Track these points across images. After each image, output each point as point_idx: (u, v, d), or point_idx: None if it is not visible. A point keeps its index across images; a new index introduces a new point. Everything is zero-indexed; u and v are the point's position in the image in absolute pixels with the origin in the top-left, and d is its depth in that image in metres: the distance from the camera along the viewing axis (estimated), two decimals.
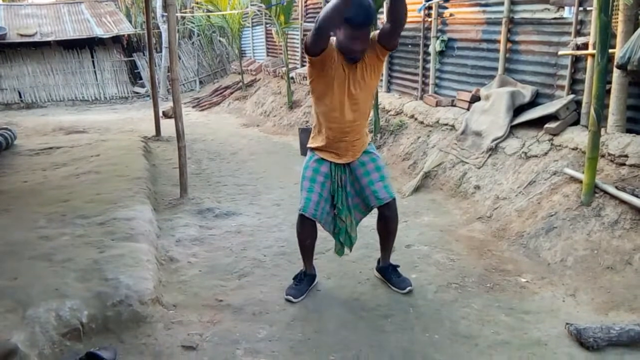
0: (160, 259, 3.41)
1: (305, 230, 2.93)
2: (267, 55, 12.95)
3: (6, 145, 6.55)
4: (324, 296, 3.02)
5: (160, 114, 9.73)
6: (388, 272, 3.11)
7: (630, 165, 3.48)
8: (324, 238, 3.11)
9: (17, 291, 2.61)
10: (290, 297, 2.93)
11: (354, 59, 2.66)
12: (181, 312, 2.80)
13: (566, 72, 4.36)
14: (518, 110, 4.69)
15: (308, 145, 2.97)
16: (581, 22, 4.23)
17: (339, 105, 2.74)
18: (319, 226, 2.96)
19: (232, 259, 3.54)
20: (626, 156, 3.51)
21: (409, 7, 6.62)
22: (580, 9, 4.20)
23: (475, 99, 5.29)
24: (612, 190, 3.33)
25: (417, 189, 5.02)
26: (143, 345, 2.48)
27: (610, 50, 3.39)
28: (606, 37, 3.27)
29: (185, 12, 16.03)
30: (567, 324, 2.56)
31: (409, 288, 3.00)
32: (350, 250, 3.08)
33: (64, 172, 5.33)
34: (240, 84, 12.62)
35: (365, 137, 2.94)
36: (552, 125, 4.22)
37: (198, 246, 3.75)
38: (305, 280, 3.04)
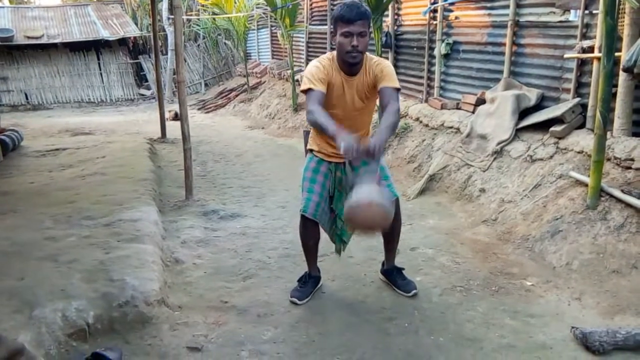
0: (166, 260, 3.43)
1: (308, 231, 2.94)
2: (272, 58, 12.98)
3: (13, 147, 6.59)
4: (328, 298, 3.02)
5: (172, 115, 9.77)
6: (393, 275, 3.11)
7: (637, 169, 3.47)
8: (327, 240, 3.11)
9: (24, 291, 2.63)
10: (295, 299, 2.93)
11: (354, 64, 2.63)
12: (186, 313, 2.81)
13: (572, 75, 4.35)
14: (523, 113, 4.68)
15: (308, 147, 2.99)
16: (587, 26, 4.22)
17: (338, 118, 2.76)
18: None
19: (237, 260, 3.55)
20: (632, 160, 3.50)
21: (415, 9, 6.62)
22: (586, 12, 4.19)
23: (481, 102, 5.28)
24: (618, 193, 3.32)
25: (422, 192, 5.02)
26: (149, 346, 2.49)
27: (616, 54, 3.38)
28: (612, 40, 3.26)
29: (191, 15, 16.10)
30: (572, 327, 2.55)
31: (414, 291, 2.99)
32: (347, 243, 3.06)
33: (70, 174, 5.36)
34: (246, 86, 12.65)
35: (366, 140, 2.94)
36: (557, 128, 4.21)
37: (203, 248, 3.76)
38: (309, 283, 3.04)
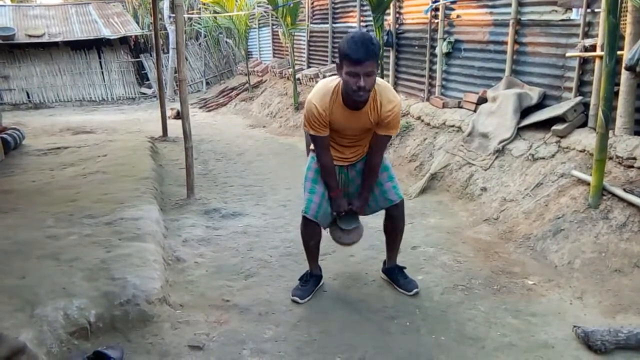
0: (167, 259, 3.43)
1: (309, 231, 2.94)
2: (274, 57, 12.97)
3: (14, 145, 6.59)
4: (330, 297, 3.02)
5: (174, 113, 9.78)
6: (394, 274, 3.10)
7: (639, 168, 3.46)
8: (329, 239, 3.11)
9: (26, 290, 2.63)
10: (297, 298, 2.93)
11: (359, 100, 2.55)
12: (188, 312, 2.81)
13: (574, 74, 4.34)
14: (525, 112, 4.67)
15: (310, 148, 2.98)
16: (589, 24, 4.21)
17: (340, 141, 2.82)
18: None
19: (239, 259, 3.55)
20: (634, 158, 3.49)
21: (416, 7, 6.65)
22: (588, 10, 4.18)
23: (482, 100, 5.27)
24: (620, 192, 3.31)
25: (423, 191, 5.02)
26: (150, 345, 2.49)
27: (619, 52, 3.37)
28: (614, 38, 3.25)
29: (192, 14, 16.10)
30: (574, 326, 2.54)
31: (415, 290, 2.99)
32: None
33: (72, 172, 5.36)
34: (247, 85, 12.64)
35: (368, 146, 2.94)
36: (559, 127, 4.20)
37: (205, 246, 3.76)
38: (311, 281, 3.04)
